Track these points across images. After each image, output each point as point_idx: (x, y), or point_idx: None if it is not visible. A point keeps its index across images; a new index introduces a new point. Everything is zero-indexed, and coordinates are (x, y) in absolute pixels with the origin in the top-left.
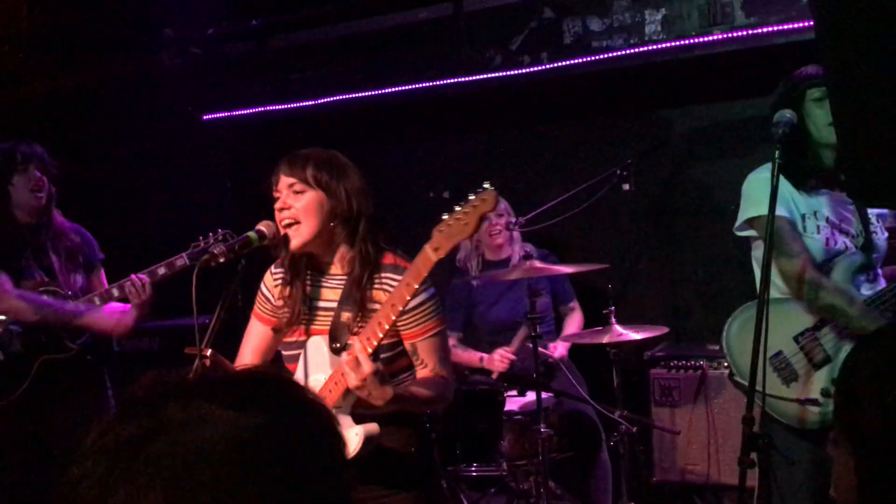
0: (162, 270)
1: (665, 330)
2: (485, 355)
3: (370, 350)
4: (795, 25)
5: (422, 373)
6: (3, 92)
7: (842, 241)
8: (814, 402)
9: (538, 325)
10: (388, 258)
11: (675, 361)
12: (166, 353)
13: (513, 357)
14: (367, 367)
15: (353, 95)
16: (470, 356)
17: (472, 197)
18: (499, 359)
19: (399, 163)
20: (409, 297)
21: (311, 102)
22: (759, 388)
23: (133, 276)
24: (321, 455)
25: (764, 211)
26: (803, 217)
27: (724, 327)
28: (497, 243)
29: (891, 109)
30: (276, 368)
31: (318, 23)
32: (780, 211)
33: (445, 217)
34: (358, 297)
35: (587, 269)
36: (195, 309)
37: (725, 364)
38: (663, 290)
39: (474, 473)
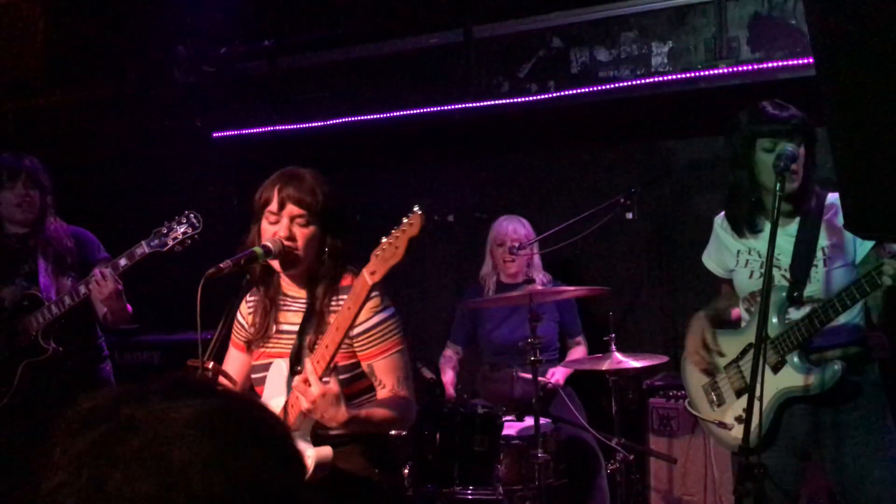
0: (123, 262)
1: (665, 359)
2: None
3: (319, 372)
4: (800, 61)
5: (381, 394)
6: (17, 103)
7: (769, 275)
8: (724, 425)
9: (539, 351)
10: (347, 279)
11: (674, 391)
12: (168, 366)
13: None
14: (317, 388)
15: (362, 118)
16: (448, 384)
17: (403, 220)
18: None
19: (405, 186)
20: (350, 320)
21: (320, 123)
22: (696, 412)
23: (96, 270)
24: (272, 421)
25: (704, 259)
26: (738, 252)
27: (681, 360)
28: (510, 272)
29: (890, 145)
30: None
31: (330, 45)
32: (709, 264)
33: (383, 240)
34: (318, 320)
35: (586, 293)
36: (199, 322)
37: None
38: (663, 319)
39: (470, 497)
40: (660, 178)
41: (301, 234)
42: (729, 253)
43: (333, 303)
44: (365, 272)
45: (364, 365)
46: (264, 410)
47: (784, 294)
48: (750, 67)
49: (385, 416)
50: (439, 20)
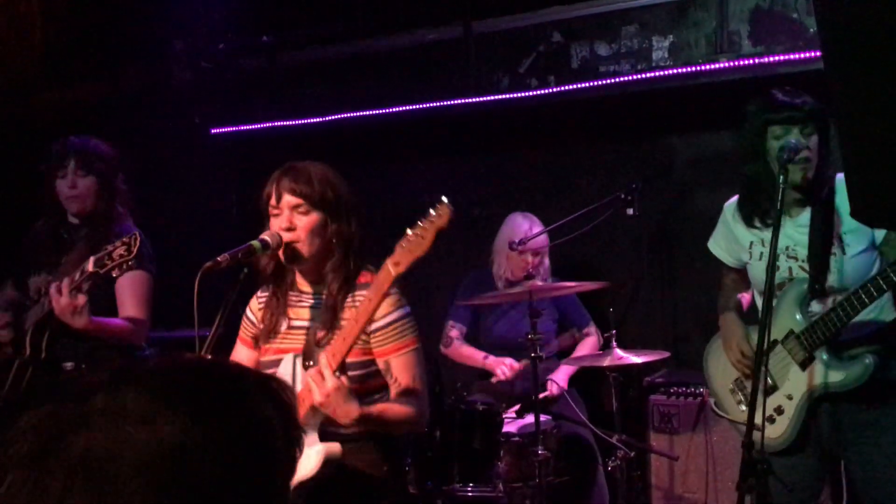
0: (77, 276)
1: (666, 354)
2: (490, 357)
3: (335, 365)
4: (802, 55)
5: (396, 391)
6: (16, 101)
7: (786, 267)
8: (761, 426)
9: (539, 347)
10: (365, 276)
11: (675, 388)
12: None
13: (519, 368)
14: (331, 382)
15: (361, 113)
16: (473, 353)
17: (431, 212)
18: (507, 367)
19: (403, 182)
20: (371, 312)
21: (318, 119)
22: (724, 413)
23: (53, 284)
24: (250, 458)
25: (710, 245)
26: (750, 244)
27: (704, 355)
28: (519, 277)
29: (893, 137)
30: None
31: (329, 40)
32: (717, 251)
33: (408, 232)
34: (330, 316)
35: (585, 288)
36: (196, 317)
37: None
38: (664, 316)
39: (470, 494)
40: (660, 175)
41: (301, 222)
42: (740, 245)
43: (349, 299)
44: (389, 263)
45: (380, 362)
46: (250, 436)
47: (805, 287)
48: (751, 61)
49: (398, 415)
50: (438, 15)
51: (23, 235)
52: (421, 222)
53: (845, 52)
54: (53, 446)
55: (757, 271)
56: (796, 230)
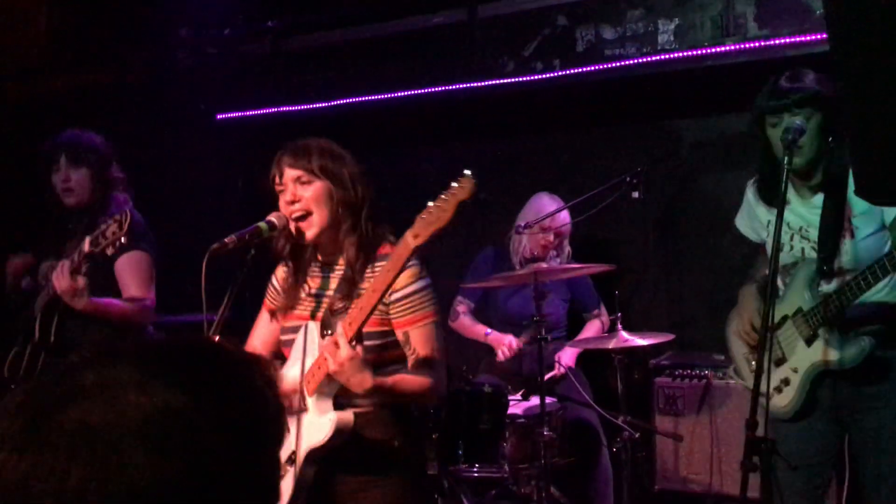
0: (75, 258)
1: (671, 337)
2: (493, 332)
3: (350, 335)
4: (808, 38)
5: (412, 363)
6: (20, 88)
7: (799, 247)
8: (767, 394)
9: (545, 329)
10: (385, 248)
11: (680, 370)
12: None
13: (520, 346)
14: (345, 351)
15: (366, 98)
16: (476, 329)
17: (453, 184)
18: (507, 346)
19: (409, 166)
20: (389, 283)
21: (324, 104)
22: (741, 379)
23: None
24: (245, 424)
25: (737, 221)
26: (768, 223)
27: (727, 321)
28: (536, 254)
29: None
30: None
31: (334, 25)
32: (742, 227)
33: (429, 204)
34: (349, 286)
35: (591, 270)
36: (204, 299)
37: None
38: (669, 298)
39: (476, 474)
40: (666, 158)
41: (306, 192)
42: (759, 222)
43: (368, 270)
44: (408, 234)
45: (399, 333)
46: (243, 413)
47: (812, 267)
48: (757, 44)
49: (414, 385)
50: None
51: (32, 220)
52: (442, 194)
53: (851, 31)
54: (46, 421)
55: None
56: (810, 212)
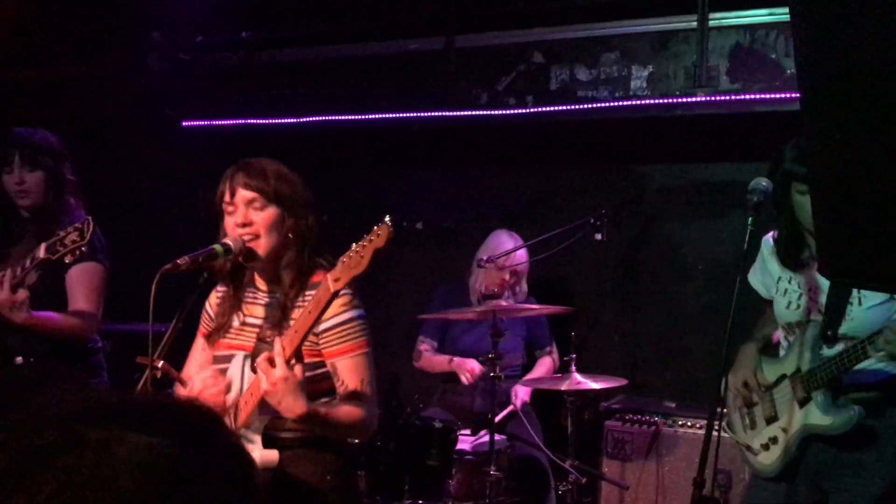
0: (28, 263)
1: (624, 382)
2: (455, 358)
3: (289, 353)
4: (778, 95)
5: (343, 395)
6: None
7: (806, 307)
8: (751, 450)
9: (498, 366)
10: (318, 276)
11: (630, 415)
12: (117, 356)
13: (482, 371)
14: (281, 371)
15: (336, 118)
16: (439, 360)
17: (374, 229)
18: (469, 371)
19: (375, 190)
20: (310, 325)
21: (293, 120)
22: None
23: None
24: (228, 479)
25: (749, 276)
26: (778, 279)
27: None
28: (493, 292)
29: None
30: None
31: (309, 42)
32: (754, 282)
33: (352, 246)
34: (279, 315)
35: (550, 310)
36: (151, 318)
37: (680, 422)
38: (623, 342)
39: None
40: (631, 202)
41: (258, 217)
42: (771, 278)
43: (300, 299)
44: (329, 278)
45: (328, 364)
46: (226, 459)
47: (818, 329)
48: (728, 98)
49: (345, 418)
50: (421, 26)
51: None
52: (363, 239)
53: (822, 97)
54: (32, 469)
55: (779, 307)
56: (822, 278)
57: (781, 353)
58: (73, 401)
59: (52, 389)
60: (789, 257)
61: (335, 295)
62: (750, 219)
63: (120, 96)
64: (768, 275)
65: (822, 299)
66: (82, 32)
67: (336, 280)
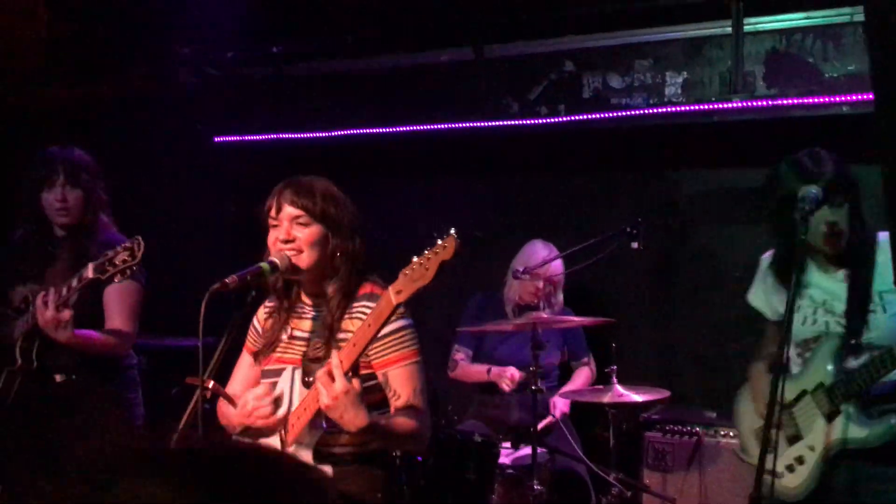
0: (75, 283)
1: (667, 394)
2: (494, 368)
3: (347, 367)
4: (816, 100)
5: (396, 405)
6: (15, 96)
7: (823, 321)
8: (774, 473)
9: (539, 378)
10: (366, 287)
11: (671, 426)
12: (155, 372)
13: (522, 377)
14: (341, 384)
15: (368, 131)
16: (476, 370)
17: (438, 242)
18: (509, 376)
19: (406, 202)
20: (370, 338)
21: (324, 134)
22: (749, 459)
23: (39, 296)
24: None
25: (750, 298)
26: (788, 296)
27: (735, 398)
28: (527, 301)
29: None
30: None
31: (339, 55)
32: (757, 303)
33: (414, 259)
34: (327, 333)
35: (591, 322)
36: (201, 337)
37: (722, 433)
38: (661, 351)
39: None
40: (666, 208)
41: (301, 234)
42: (779, 298)
43: (348, 313)
44: (391, 290)
45: (379, 374)
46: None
47: (837, 341)
48: (765, 103)
49: (402, 430)
50: (450, 37)
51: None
52: (427, 251)
53: None
54: None
55: (794, 324)
56: (835, 285)
57: (795, 370)
58: (106, 452)
59: (92, 411)
60: (788, 275)
61: (397, 308)
62: (802, 227)
63: (151, 112)
64: (775, 295)
65: (839, 309)
66: (112, 49)
67: (398, 293)
